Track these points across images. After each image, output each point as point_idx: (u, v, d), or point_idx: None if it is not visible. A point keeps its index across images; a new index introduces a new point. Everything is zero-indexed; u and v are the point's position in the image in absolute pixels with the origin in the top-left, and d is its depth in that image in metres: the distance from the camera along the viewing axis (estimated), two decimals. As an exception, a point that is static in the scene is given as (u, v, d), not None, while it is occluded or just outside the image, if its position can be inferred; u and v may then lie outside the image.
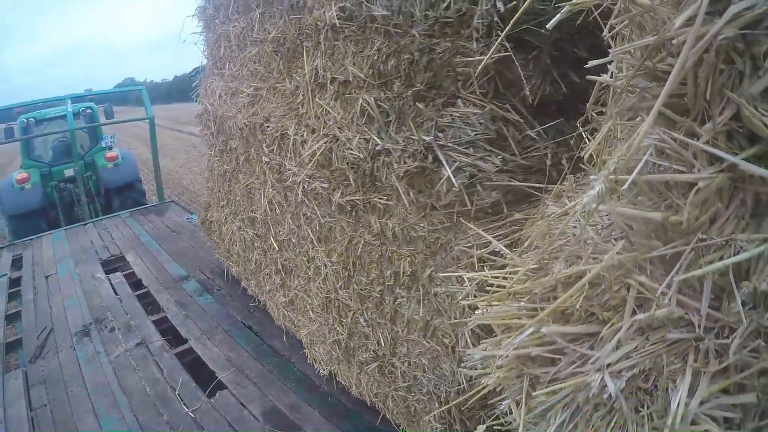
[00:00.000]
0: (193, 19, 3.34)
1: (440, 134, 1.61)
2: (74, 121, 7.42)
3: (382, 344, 2.23)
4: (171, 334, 3.76)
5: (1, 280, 5.13)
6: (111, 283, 4.66)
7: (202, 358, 3.36)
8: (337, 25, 1.92)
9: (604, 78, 0.85)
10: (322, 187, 2.29)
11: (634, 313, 0.74)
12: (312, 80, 2.19)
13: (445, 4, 1.50)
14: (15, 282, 5.06)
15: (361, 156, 1.91)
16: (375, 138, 1.84)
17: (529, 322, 0.86)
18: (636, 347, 0.72)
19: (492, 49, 1.30)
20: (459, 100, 1.60)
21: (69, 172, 7.70)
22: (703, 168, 0.66)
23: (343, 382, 2.71)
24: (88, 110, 8.20)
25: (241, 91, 2.96)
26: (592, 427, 0.75)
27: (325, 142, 2.09)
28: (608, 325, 0.77)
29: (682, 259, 0.68)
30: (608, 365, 0.72)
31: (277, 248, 2.91)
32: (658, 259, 0.73)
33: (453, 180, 1.56)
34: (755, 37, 0.61)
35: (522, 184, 1.58)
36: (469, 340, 1.56)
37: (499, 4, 1.38)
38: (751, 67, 0.62)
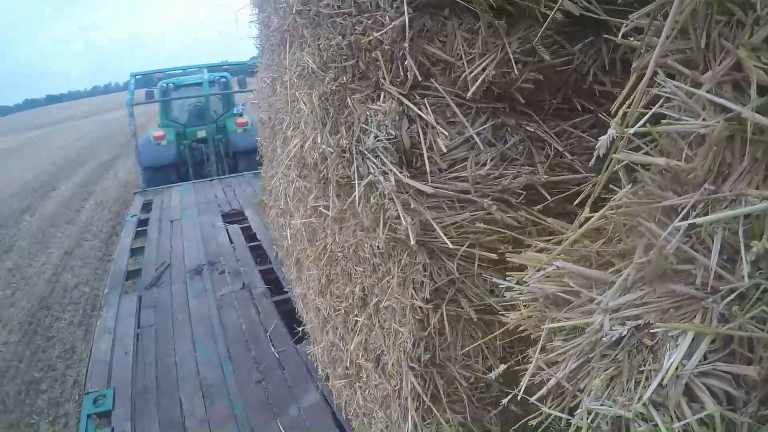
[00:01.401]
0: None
1: (363, 136, 1.32)
2: (209, 88, 8.35)
3: (348, 364, 2.08)
4: (274, 284, 4.03)
5: (131, 219, 5.92)
6: (228, 233, 5.14)
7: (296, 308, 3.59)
8: (295, 9, 1.72)
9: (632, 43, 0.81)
10: (304, 186, 2.20)
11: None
12: (294, 72, 2.00)
13: None
14: (143, 222, 5.78)
15: (317, 158, 1.74)
16: (318, 138, 1.62)
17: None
18: (642, 297, 0.71)
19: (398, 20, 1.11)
20: (381, 93, 1.30)
21: (201, 134, 8.62)
22: (708, 118, 0.65)
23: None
24: (223, 79, 9.12)
25: (265, 81, 2.95)
26: (594, 377, 0.73)
27: (301, 140, 1.93)
28: (615, 269, 0.78)
29: (688, 207, 0.67)
30: (612, 310, 0.73)
31: (290, 241, 2.88)
32: (669, 210, 0.72)
33: (357, 199, 1.32)
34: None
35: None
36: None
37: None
38: (753, 18, 0.61)
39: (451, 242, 1.17)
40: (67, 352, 5.63)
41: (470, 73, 1.13)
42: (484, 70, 1.11)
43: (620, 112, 0.74)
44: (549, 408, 0.79)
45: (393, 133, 1.19)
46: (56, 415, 4.65)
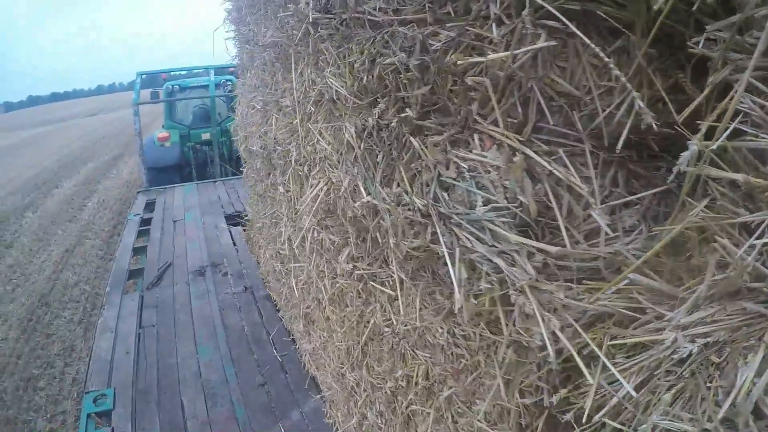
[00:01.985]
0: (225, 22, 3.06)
1: (444, 194, 0.95)
2: (215, 90, 8.31)
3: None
4: None
5: (133, 218, 5.85)
6: (231, 235, 5.12)
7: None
8: (311, 19, 1.38)
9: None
10: (329, 239, 1.72)
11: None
12: (303, 96, 1.67)
13: None
14: (146, 221, 5.72)
15: (357, 210, 1.30)
16: (361, 188, 1.23)
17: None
18: (713, 315, 0.70)
19: (517, 34, 0.81)
20: (475, 136, 0.94)
21: (205, 136, 8.62)
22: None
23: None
24: (228, 82, 8.88)
25: (252, 105, 2.65)
26: (658, 395, 0.70)
27: (325, 183, 1.52)
28: (686, 287, 0.75)
29: (763, 225, 0.66)
30: (682, 327, 0.70)
31: (297, 294, 2.48)
32: (743, 228, 0.70)
33: (458, 292, 0.92)
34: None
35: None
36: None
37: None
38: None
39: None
40: (66, 350, 5.61)
41: (608, 112, 0.84)
42: (630, 110, 0.81)
43: (703, 127, 0.69)
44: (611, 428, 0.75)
45: (520, 198, 0.85)
46: (54, 413, 4.62)
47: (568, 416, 0.84)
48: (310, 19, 1.38)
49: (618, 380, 0.74)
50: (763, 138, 0.67)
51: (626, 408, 0.73)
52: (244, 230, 4.61)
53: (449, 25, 0.93)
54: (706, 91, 0.76)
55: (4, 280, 7.51)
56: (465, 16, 0.90)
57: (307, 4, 1.39)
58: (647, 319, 0.77)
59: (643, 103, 0.77)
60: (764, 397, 0.60)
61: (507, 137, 0.89)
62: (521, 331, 0.88)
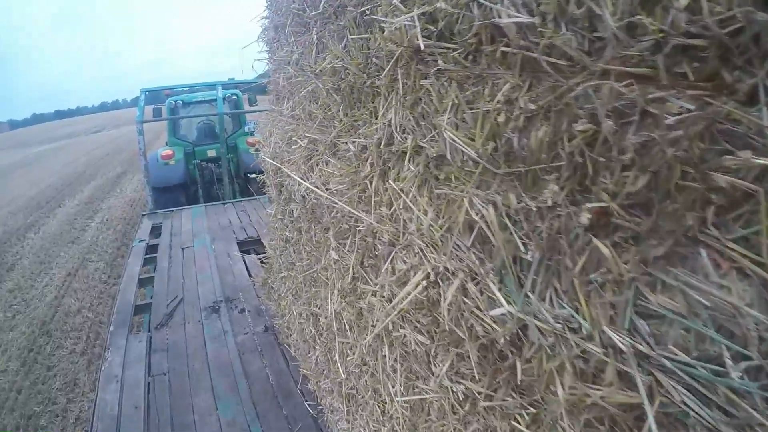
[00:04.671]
0: (258, 43, 2.73)
1: (642, 324, 0.64)
2: (222, 106, 7.88)
3: None
4: None
5: (138, 245, 5.46)
6: (246, 264, 4.69)
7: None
8: (423, 48, 0.99)
9: None
10: (417, 341, 1.20)
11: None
12: (383, 144, 1.26)
13: None
14: (152, 248, 5.33)
15: (486, 324, 0.89)
16: (498, 296, 0.84)
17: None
18: None
19: None
20: (702, 252, 0.61)
21: (211, 153, 8.24)
22: None
23: None
24: (234, 96, 8.71)
25: (296, 141, 2.07)
26: None
27: (424, 275, 1.07)
28: None
29: None
30: None
31: (343, 375, 1.98)
32: None
33: None
34: None
35: None
36: None
37: None
38: None
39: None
40: (68, 385, 5.29)
41: None
42: None
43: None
44: None
45: None
46: (56, 456, 4.29)
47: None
48: (421, 46, 0.98)
49: None
50: None
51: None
52: (262, 264, 4.19)
53: (689, 93, 0.59)
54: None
55: (5, 306, 7.20)
56: (709, 82, 0.58)
57: (412, 26, 1.00)
58: None
59: None
60: None
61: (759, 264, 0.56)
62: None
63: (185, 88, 9.57)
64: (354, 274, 1.59)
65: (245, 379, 2.94)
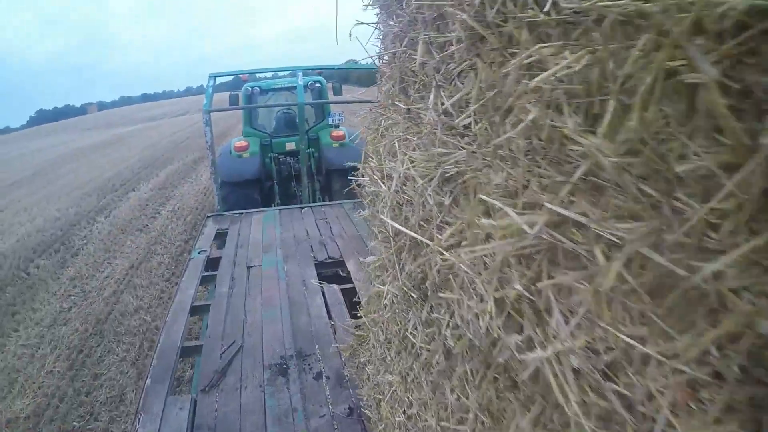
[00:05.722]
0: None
1: None
2: (303, 94, 6.89)
3: None
4: None
5: (198, 256, 4.45)
6: (325, 297, 3.55)
7: None
8: None
9: None
10: None
11: None
12: None
13: None
14: (212, 263, 4.39)
15: None
16: None
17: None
18: None
19: None
20: None
21: (290, 146, 7.30)
22: None
23: None
24: (317, 84, 7.68)
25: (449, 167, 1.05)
26: None
27: None
28: None
29: None
30: None
31: None
32: None
33: None
34: None
35: None
36: None
37: None
38: None
39: None
40: (113, 399, 4.68)
41: None
42: None
43: None
44: None
45: None
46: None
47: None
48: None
49: None
50: None
51: None
52: (350, 315, 3.09)
53: None
54: None
55: (63, 296, 6.81)
56: None
57: None
58: None
59: None
60: None
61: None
62: None
63: (263, 72, 8.56)
64: None
65: None
